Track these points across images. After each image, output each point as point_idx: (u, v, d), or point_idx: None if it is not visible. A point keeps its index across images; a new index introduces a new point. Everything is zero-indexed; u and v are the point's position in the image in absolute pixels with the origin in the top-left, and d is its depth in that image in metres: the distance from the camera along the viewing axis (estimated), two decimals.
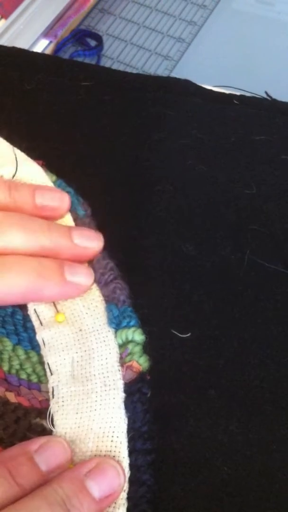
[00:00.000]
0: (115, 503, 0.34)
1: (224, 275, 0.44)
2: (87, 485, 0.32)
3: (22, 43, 0.71)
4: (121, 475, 0.35)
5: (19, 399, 0.39)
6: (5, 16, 0.72)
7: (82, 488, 0.32)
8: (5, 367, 0.40)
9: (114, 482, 0.34)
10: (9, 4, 0.72)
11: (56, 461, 0.34)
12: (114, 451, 0.36)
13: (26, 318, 0.42)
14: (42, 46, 0.73)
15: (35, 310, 0.42)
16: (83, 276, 0.42)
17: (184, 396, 0.39)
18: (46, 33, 0.73)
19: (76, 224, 0.45)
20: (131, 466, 0.36)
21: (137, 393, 0.38)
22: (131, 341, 0.40)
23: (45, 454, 0.34)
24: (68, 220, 0.45)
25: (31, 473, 0.32)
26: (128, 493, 0.35)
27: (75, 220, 0.45)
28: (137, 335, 0.40)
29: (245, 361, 0.41)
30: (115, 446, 0.36)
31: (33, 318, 0.42)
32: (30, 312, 0.42)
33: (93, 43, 0.75)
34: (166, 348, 0.41)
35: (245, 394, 0.40)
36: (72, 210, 0.46)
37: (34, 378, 0.40)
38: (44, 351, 0.41)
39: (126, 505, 0.35)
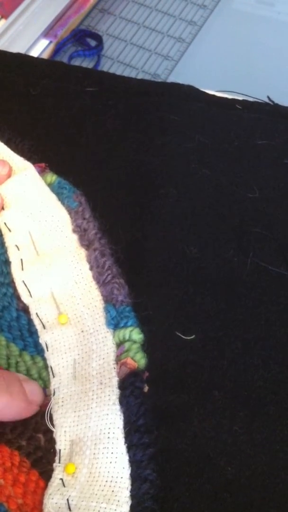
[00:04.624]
0: (118, 501, 0.35)
1: (228, 278, 0.45)
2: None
3: (22, 43, 0.71)
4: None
5: None
6: (5, 16, 0.71)
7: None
8: None
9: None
10: (9, 4, 0.72)
11: (34, 395, 0.39)
12: (112, 448, 0.36)
13: (31, 323, 0.43)
14: (42, 46, 0.73)
15: (37, 314, 0.43)
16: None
17: (188, 396, 0.40)
18: (46, 33, 0.73)
19: (71, 216, 0.46)
20: (131, 461, 0.36)
21: (130, 386, 0.38)
22: (128, 340, 0.41)
23: (29, 386, 0.39)
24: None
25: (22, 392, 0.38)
26: (131, 490, 0.35)
27: (69, 212, 0.47)
28: (135, 334, 0.41)
29: (249, 362, 0.41)
30: (112, 443, 0.37)
31: (36, 321, 0.42)
32: (33, 316, 0.43)
33: (93, 43, 0.75)
34: (170, 349, 0.42)
35: (249, 394, 0.40)
36: (66, 204, 0.47)
37: (40, 384, 0.40)
38: (47, 354, 0.41)
39: (129, 503, 0.35)
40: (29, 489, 0.35)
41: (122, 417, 0.37)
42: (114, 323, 0.41)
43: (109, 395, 0.38)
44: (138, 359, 0.40)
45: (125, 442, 0.37)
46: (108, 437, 0.37)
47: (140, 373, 0.40)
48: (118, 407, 0.38)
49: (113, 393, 0.38)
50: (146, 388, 0.39)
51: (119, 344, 0.40)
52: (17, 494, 0.35)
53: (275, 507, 0.37)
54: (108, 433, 0.37)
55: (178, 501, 0.36)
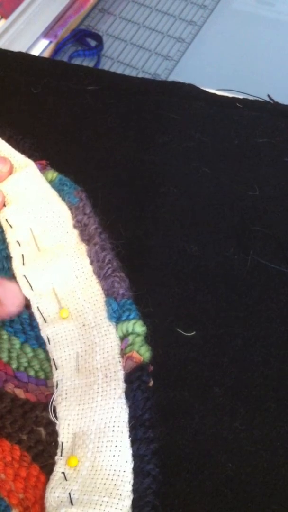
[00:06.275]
0: (120, 494, 0.35)
1: (228, 275, 0.45)
2: None
3: (22, 43, 0.72)
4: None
5: (27, 395, 0.40)
6: (5, 16, 0.72)
7: None
8: (14, 365, 0.41)
9: None
10: (9, 4, 0.72)
11: (7, 297, 0.41)
12: (116, 441, 0.37)
13: (32, 317, 0.43)
14: (42, 46, 0.74)
15: (38, 308, 0.43)
16: None
17: (189, 393, 0.40)
18: (46, 33, 0.74)
19: (72, 211, 0.47)
20: (134, 456, 0.36)
21: (136, 381, 0.39)
22: (132, 333, 0.41)
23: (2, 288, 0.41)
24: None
25: None
26: (133, 485, 0.35)
27: (70, 208, 0.47)
28: (138, 327, 0.41)
29: (249, 359, 0.41)
30: (117, 436, 0.37)
31: (37, 315, 0.43)
32: (34, 310, 0.43)
33: (93, 43, 0.75)
34: (171, 346, 0.42)
35: (249, 391, 0.40)
36: (66, 200, 0.47)
37: (41, 375, 0.41)
38: (49, 347, 0.41)
39: (131, 497, 0.35)
40: (30, 484, 0.36)
41: (127, 411, 0.37)
42: (116, 316, 0.41)
43: (114, 388, 0.38)
44: (143, 353, 0.40)
45: (130, 436, 0.37)
46: (113, 431, 0.37)
47: (146, 367, 0.40)
48: (124, 400, 0.38)
49: (119, 387, 0.38)
50: (151, 382, 0.39)
51: (123, 338, 0.41)
52: (18, 488, 0.35)
53: (275, 503, 0.37)
54: (113, 426, 0.37)
55: (179, 497, 0.37)
